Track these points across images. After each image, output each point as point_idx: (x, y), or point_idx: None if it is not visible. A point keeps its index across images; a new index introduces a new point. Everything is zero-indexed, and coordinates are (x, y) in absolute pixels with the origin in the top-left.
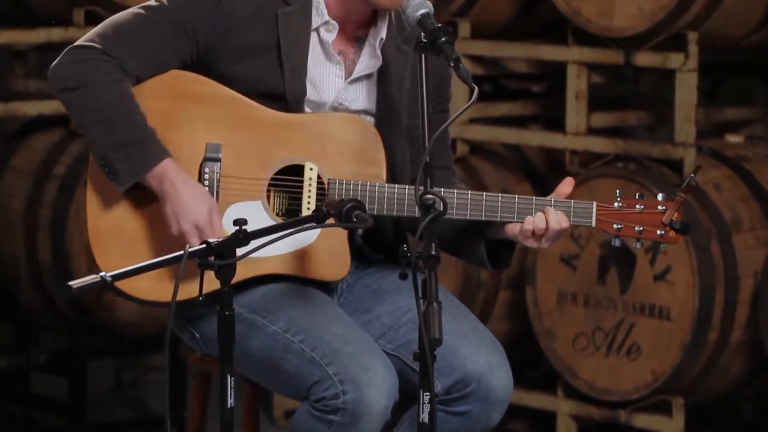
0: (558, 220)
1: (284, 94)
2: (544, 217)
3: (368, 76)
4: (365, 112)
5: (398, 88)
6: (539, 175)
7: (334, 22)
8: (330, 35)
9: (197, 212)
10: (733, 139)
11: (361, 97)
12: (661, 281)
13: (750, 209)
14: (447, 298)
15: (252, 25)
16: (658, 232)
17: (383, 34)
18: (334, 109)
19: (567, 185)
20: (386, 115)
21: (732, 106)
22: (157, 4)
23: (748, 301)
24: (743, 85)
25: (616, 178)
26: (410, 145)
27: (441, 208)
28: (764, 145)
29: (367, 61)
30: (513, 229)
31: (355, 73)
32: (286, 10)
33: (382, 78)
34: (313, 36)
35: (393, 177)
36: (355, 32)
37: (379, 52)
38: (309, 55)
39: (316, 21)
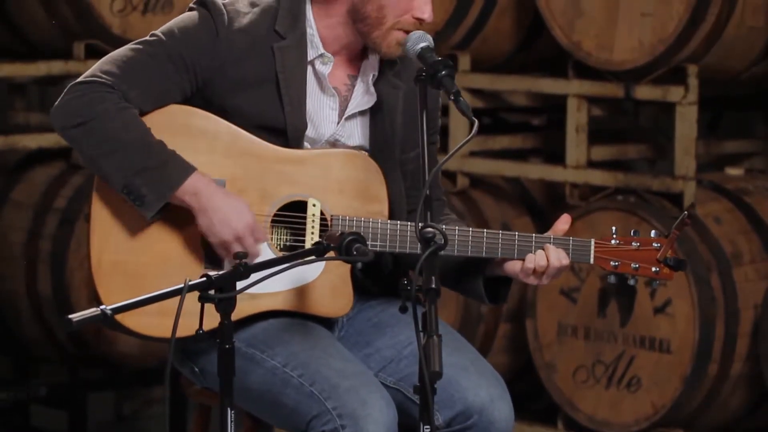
0: (558, 257)
1: (284, 128)
2: (545, 255)
3: (362, 113)
4: (360, 148)
5: (391, 124)
6: (539, 208)
7: (330, 55)
8: (326, 68)
9: (243, 216)
10: (733, 172)
11: (357, 133)
12: (661, 314)
13: (750, 242)
14: (447, 331)
15: (249, 56)
16: (653, 269)
17: (375, 70)
18: (331, 144)
19: (564, 222)
20: (380, 151)
21: (732, 139)
22: (154, 38)
23: (749, 334)
24: (743, 118)
25: (616, 211)
26: (403, 180)
27: (441, 242)
28: (764, 178)
29: (361, 97)
30: (513, 266)
31: (349, 110)
32: (282, 45)
33: (376, 114)
34: (309, 69)
35: (390, 211)
36: (347, 68)
37: (372, 89)
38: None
39: (311, 54)
